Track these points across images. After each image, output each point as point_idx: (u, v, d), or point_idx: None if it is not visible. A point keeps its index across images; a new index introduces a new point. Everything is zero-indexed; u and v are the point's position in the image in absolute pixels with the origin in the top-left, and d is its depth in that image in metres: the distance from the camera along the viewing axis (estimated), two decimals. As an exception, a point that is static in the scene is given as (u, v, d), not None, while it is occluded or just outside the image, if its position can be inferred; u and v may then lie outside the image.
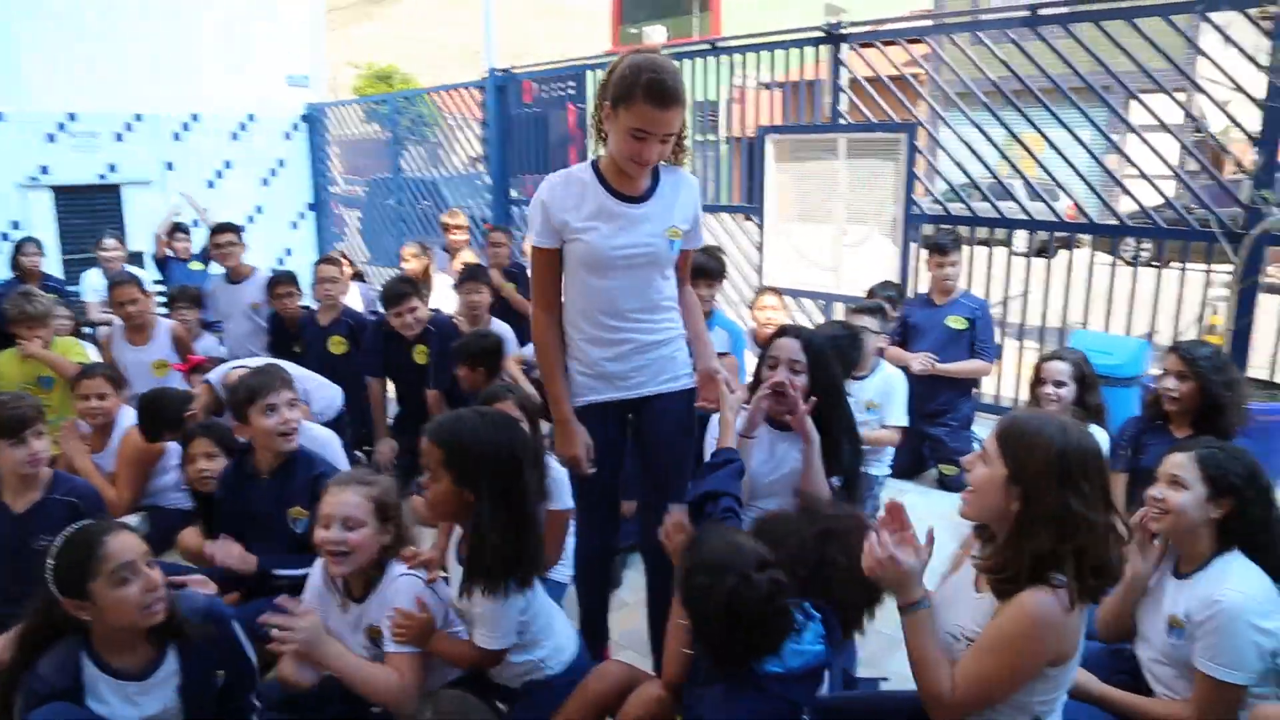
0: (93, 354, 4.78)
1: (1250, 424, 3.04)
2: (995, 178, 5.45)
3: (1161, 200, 4.81)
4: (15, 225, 7.98)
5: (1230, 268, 4.31)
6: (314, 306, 5.12)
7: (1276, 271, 4.58)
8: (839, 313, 5.05)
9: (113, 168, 8.56)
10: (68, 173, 8.30)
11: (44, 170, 8.17)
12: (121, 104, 8.53)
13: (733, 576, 1.70)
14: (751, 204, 6.22)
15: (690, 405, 2.55)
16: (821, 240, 5.74)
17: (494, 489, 2.04)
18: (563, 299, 2.50)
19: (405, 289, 4.42)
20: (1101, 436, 3.09)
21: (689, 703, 1.82)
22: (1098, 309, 4.95)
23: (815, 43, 5.73)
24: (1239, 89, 4.34)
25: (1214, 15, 4.26)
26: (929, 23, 6.15)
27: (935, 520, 2.07)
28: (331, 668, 2.15)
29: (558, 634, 2.32)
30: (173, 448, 3.63)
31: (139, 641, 2.02)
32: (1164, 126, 4.58)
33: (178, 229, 7.19)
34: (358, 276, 7.03)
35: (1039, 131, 5.13)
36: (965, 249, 4.91)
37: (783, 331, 2.68)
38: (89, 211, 8.40)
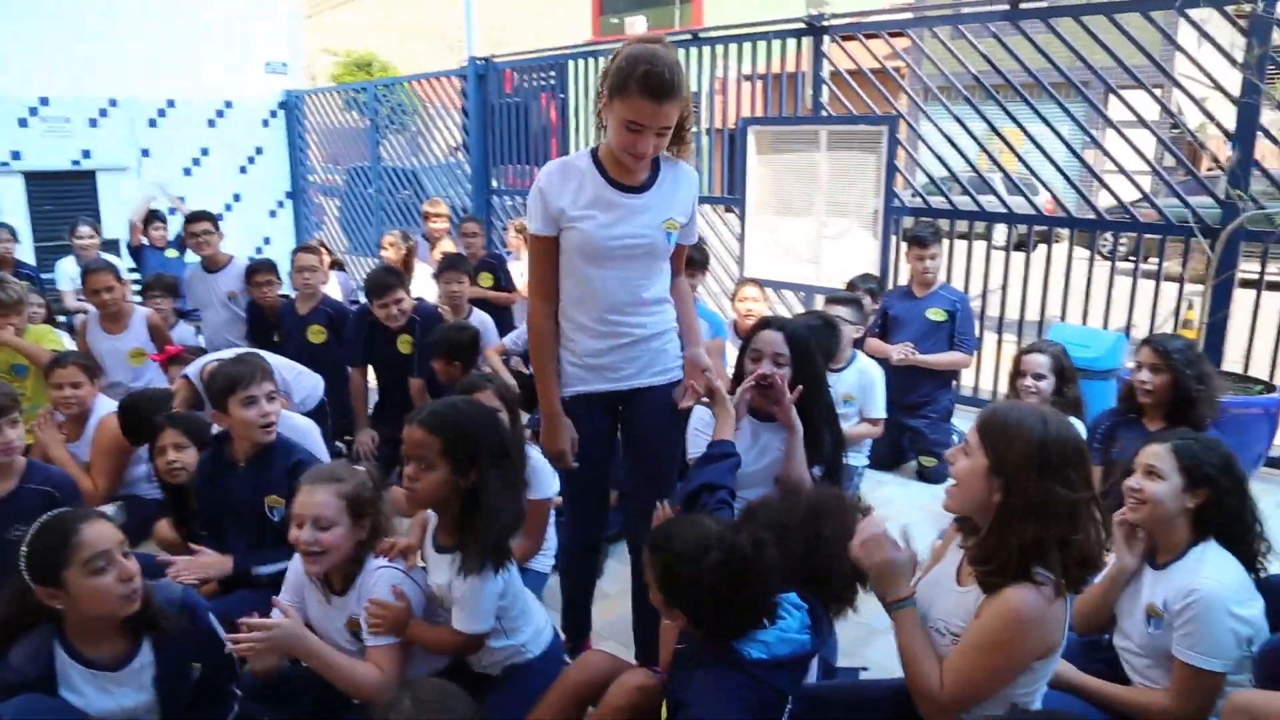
0: (68, 342, 4.72)
1: (1224, 417, 3.08)
2: (975, 171, 5.49)
3: (1139, 195, 4.86)
4: (-14, 211, 7.84)
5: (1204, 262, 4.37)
6: (293, 295, 5.08)
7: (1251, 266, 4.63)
8: (819, 305, 5.06)
9: (87, 154, 8.42)
10: (40, 158, 8.16)
11: (15, 155, 8.02)
12: (95, 89, 8.38)
13: (715, 552, 1.70)
14: (732, 195, 6.22)
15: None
16: (802, 232, 5.76)
17: (494, 464, 2.07)
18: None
19: (390, 280, 4.39)
20: (1079, 428, 3.13)
21: (674, 688, 1.82)
22: (1076, 302, 4.99)
23: (797, 34, 5.74)
24: (1216, 86, 4.39)
25: (1192, 11, 4.30)
26: (910, 16, 6.18)
27: (915, 512, 2.09)
28: (312, 664, 2.14)
29: (535, 618, 2.33)
30: (149, 437, 3.58)
31: (113, 632, 2.00)
32: (1142, 122, 4.63)
33: (154, 216, 7.11)
34: (337, 265, 6.97)
35: (1019, 125, 5.18)
36: (945, 242, 4.94)
37: (765, 324, 2.69)
38: (62, 198, 8.27)
